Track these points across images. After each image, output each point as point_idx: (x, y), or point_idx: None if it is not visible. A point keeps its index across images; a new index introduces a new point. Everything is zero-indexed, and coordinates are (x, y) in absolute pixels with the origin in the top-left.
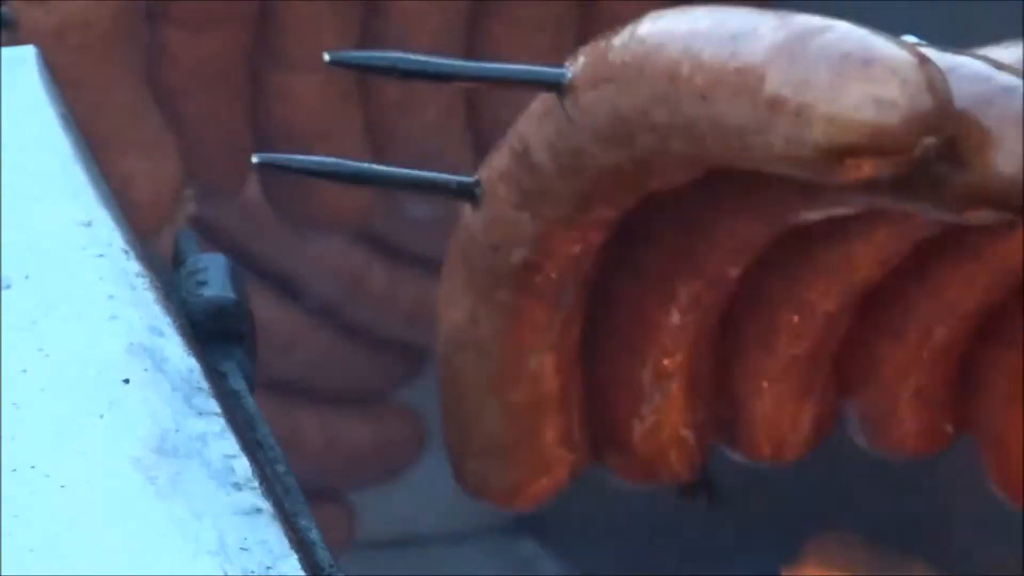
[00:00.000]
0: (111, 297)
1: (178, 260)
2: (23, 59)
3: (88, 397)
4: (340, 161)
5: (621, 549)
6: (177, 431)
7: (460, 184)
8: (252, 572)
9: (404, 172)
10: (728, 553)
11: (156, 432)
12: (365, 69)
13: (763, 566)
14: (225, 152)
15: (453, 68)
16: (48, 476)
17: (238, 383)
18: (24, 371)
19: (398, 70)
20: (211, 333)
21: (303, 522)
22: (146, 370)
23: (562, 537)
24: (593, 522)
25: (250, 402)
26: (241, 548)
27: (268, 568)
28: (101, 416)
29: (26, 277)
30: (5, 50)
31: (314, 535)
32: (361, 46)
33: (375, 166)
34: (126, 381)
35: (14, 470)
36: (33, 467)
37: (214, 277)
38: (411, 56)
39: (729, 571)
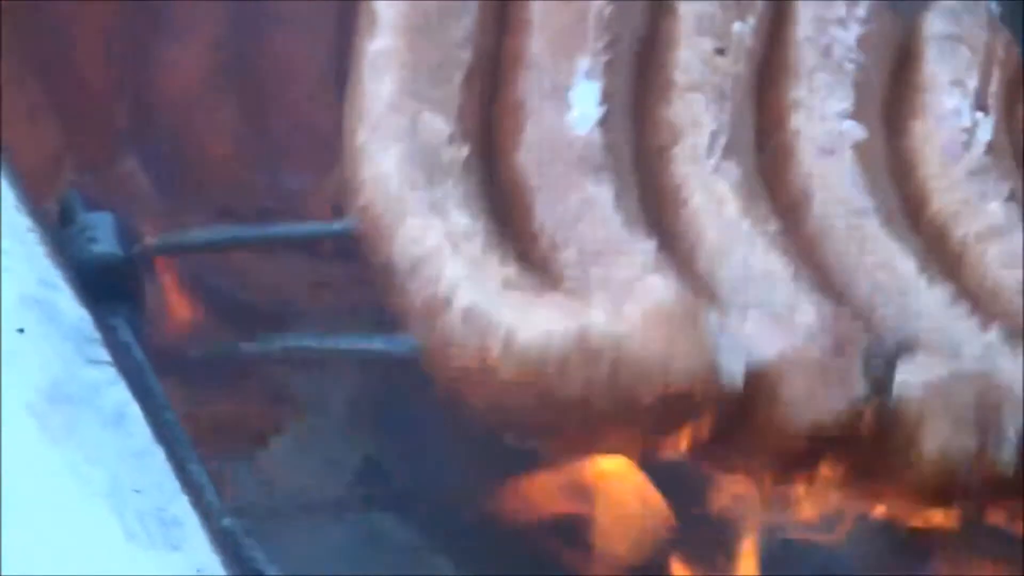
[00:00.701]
0: (3, 251)
1: (66, 219)
2: None
3: None
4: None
5: (475, 519)
6: (70, 379)
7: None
8: (145, 512)
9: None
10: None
11: (49, 380)
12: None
13: None
14: (103, 124)
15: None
16: None
17: (127, 335)
18: None
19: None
20: (101, 288)
21: (192, 466)
22: (39, 321)
23: (417, 509)
24: (447, 493)
25: (139, 352)
26: (134, 490)
27: (160, 509)
28: None
29: None
30: None
31: (203, 479)
32: (238, 17)
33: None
34: (21, 331)
35: None
36: None
37: (103, 235)
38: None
39: None
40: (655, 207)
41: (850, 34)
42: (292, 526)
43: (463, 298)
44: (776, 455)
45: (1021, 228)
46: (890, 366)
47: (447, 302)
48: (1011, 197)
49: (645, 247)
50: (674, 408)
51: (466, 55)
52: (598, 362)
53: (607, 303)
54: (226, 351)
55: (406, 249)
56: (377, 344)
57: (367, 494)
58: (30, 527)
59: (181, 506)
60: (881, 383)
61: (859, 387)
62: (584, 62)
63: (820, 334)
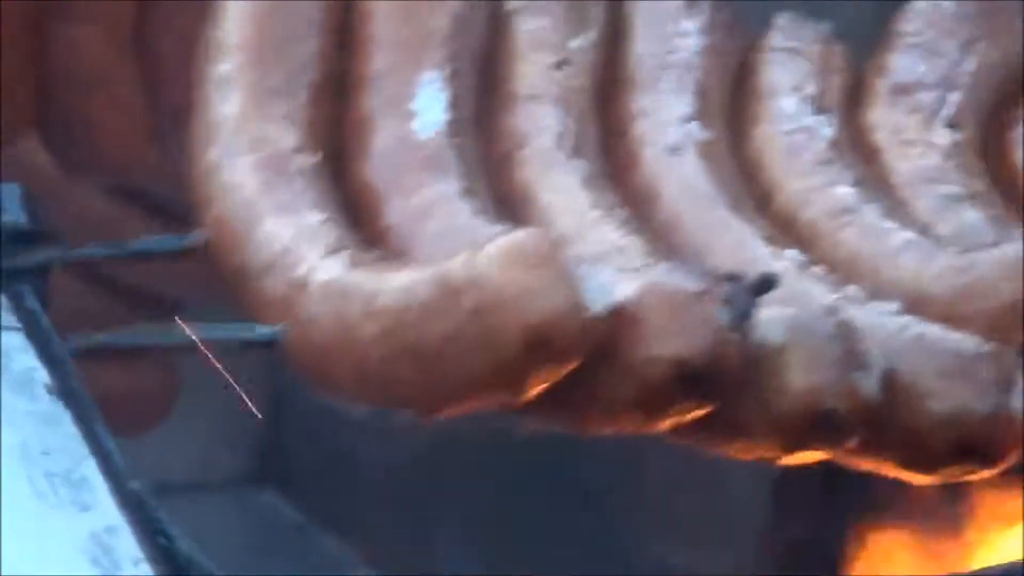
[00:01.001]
0: None
1: None
2: None
3: None
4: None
5: (362, 500)
6: None
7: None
8: (53, 473)
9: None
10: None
11: None
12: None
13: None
14: (6, 102)
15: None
16: None
17: (33, 303)
18: None
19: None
20: (8, 256)
21: (99, 429)
22: None
23: (304, 488)
24: (334, 473)
25: (45, 320)
26: (42, 452)
27: (69, 470)
28: None
29: None
30: None
31: (110, 443)
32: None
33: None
34: None
35: None
36: None
37: (10, 205)
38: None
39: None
40: (503, 209)
41: (690, 46)
42: (176, 505)
43: (320, 277)
44: (640, 394)
45: (872, 207)
46: (752, 301)
47: (304, 284)
48: (859, 183)
49: (495, 230)
50: (538, 345)
51: (310, 75)
52: (459, 304)
53: None
54: (93, 343)
55: (261, 250)
56: (238, 332)
57: (256, 472)
58: None
59: (89, 468)
60: (744, 316)
61: (722, 320)
62: (428, 74)
63: (679, 276)
